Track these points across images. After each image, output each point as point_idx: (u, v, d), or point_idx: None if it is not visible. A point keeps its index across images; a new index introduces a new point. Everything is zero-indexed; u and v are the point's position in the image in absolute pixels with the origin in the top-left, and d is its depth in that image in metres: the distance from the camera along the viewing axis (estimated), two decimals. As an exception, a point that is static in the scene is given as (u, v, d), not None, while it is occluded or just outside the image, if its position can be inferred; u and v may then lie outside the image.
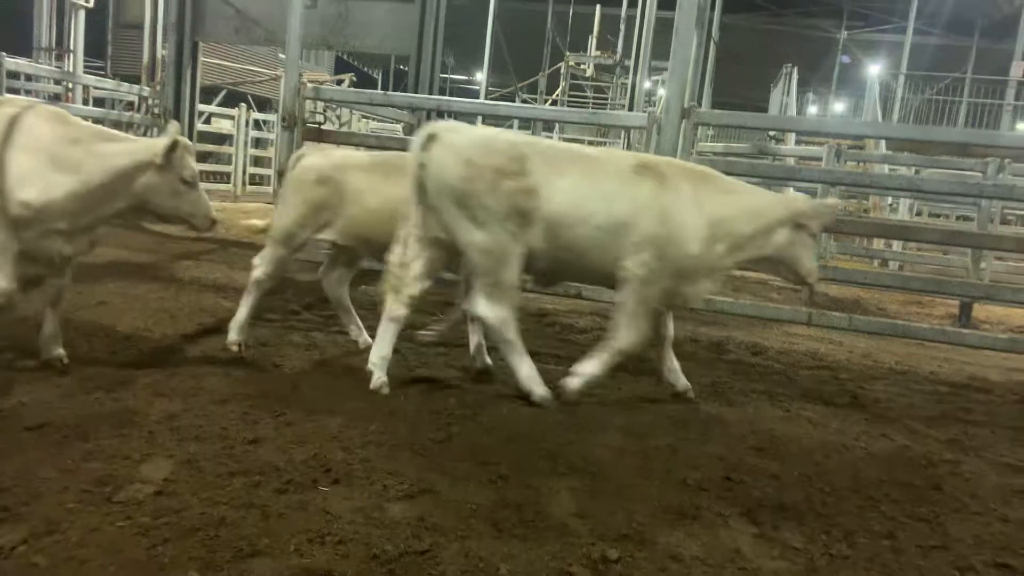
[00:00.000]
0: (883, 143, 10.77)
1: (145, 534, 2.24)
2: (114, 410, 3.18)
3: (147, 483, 2.54)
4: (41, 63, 11.29)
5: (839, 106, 24.52)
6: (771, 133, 11.24)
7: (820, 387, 4.75)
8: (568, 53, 19.13)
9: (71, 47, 11.12)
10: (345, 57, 25.12)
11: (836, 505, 2.92)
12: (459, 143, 3.73)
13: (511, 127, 18.26)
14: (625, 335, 3.82)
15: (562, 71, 19.07)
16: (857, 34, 26.07)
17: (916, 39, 19.87)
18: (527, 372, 3.80)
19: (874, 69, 19.65)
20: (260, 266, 4.34)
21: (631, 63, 13.19)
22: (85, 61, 11.67)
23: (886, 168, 10.17)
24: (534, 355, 4.70)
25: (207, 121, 14.14)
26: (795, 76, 14.47)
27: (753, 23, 25.23)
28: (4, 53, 7.56)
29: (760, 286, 8.22)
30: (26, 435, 2.85)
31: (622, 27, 17.72)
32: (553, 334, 5.55)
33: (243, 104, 14.53)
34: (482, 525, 2.48)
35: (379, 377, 3.77)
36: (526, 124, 17.63)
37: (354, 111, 12.16)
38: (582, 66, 19.25)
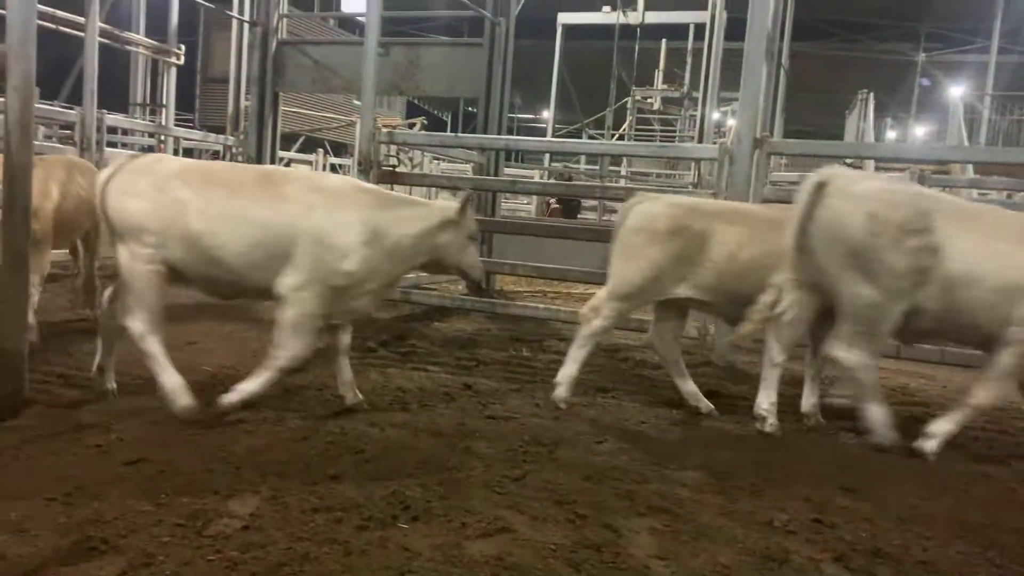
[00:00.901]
0: (970, 167, 10.28)
1: (234, 568, 2.30)
2: (204, 446, 3.30)
3: (235, 518, 2.62)
4: (136, 118, 12.05)
5: (920, 130, 23.64)
6: (847, 160, 10.90)
7: (912, 424, 4.50)
8: (634, 87, 19.16)
9: (163, 101, 11.83)
10: (416, 101, 25.92)
11: (937, 551, 2.75)
12: (859, 194, 3.70)
13: (578, 163, 18.40)
14: (989, 393, 3.81)
15: (628, 105, 19.10)
16: (936, 56, 25.19)
17: (999, 58, 19.05)
18: (879, 417, 3.77)
19: (956, 91, 18.89)
20: (599, 319, 4.24)
21: (699, 95, 13.10)
22: (175, 114, 12.38)
23: (974, 193, 9.69)
24: (608, 391, 4.70)
25: (287, 166, 14.76)
26: (871, 102, 14.05)
27: (824, 50, 24.73)
28: (105, 110, 8.12)
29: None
30: (124, 469, 2.99)
31: (689, 59, 17.68)
32: (627, 369, 5.48)
33: (320, 149, 15.10)
34: (561, 566, 2.44)
35: (772, 423, 3.78)
36: (594, 160, 17.69)
37: (426, 153, 12.46)
38: (648, 100, 19.24)
